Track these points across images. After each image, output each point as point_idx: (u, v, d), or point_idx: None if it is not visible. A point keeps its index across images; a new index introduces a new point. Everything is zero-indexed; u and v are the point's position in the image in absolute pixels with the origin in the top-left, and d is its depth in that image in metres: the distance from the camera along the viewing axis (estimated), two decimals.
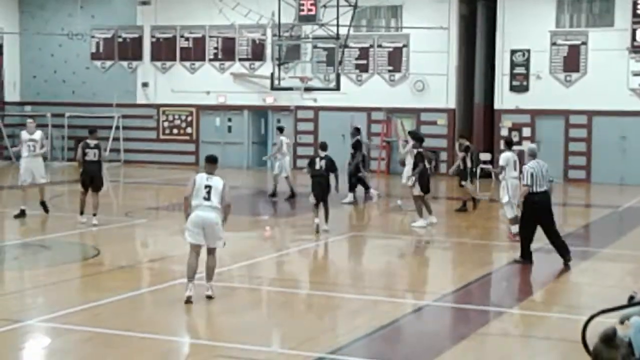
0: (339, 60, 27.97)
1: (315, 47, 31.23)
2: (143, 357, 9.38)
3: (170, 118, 34.33)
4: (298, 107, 32.41)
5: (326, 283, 13.42)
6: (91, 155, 18.32)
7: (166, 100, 34.26)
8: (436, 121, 31.14)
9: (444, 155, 31.24)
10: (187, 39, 34.04)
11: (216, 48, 33.73)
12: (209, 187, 11.85)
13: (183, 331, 10.65)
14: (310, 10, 26.58)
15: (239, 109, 33.42)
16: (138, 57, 34.64)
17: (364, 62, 31.90)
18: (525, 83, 30.27)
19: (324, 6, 26.38)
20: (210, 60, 33.80)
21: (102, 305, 11.48)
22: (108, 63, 35.04)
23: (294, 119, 32.73)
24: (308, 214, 22.48)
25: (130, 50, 34.72)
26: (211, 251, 11.83)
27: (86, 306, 11.35)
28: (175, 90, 34.02)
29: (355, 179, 23.52)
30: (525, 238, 14.87)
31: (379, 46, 31.73)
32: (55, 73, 35.55)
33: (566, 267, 14.46)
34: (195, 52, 33.93)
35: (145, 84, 34.52)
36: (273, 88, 28.46)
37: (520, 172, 16.09)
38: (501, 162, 17.99)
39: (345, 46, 28.30)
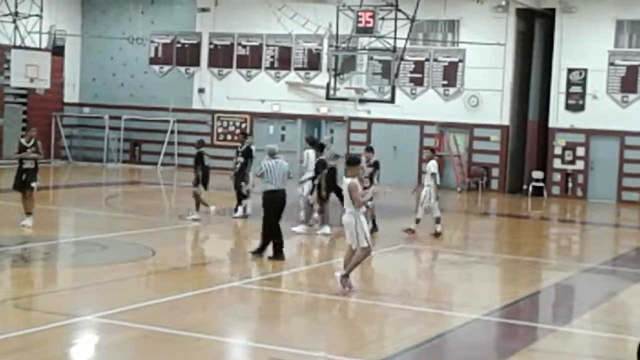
0: (395, 73, 28.10)
1: (371, 59, 31.37)
2: (196, 357, 9.56)
3: (225, 124, 34.68)
4: (352, 118, 32.55)
5: (375, 293, 13.51)
6: (27, 163, 17.53)
7: (221, 106, 34.62)
8: (489, 137, 31.06)
9: (495, 172, 31.12)
10: (244, 47, 34.38)
11: (272, 57, 34.03)
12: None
13: (235, 333, 10.82)
14: (368, 22, 26.75)
15: (293, 117, 33.65)
16: (195, 63, 35.07)
17: (419, 75, 31.95)
18: (581, 102, 30.07)
19: (382, 19, 26.53)
20: (267, 68, 34.10)
21: (158, 304, 11.70)
22: (166, 68, 35.53)
23: (347, 130, 32.87)
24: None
25: (188, 56, 35.18)
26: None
27: (142, 305, 11.58)
28: (231, 97, 34.37)
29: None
30: (266, 231, 15.41)
31: (435, 60, 31.77)
32: (114, 76, 36.13)
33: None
34: (251, 60, 34.26)
35: (201, 90, 34.93)
36: (328, 98, 28.66)
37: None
38: (433, 170, 19.59)
39: (401, 59, 28.42)
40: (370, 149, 19.89)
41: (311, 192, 18.93)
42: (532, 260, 17.46)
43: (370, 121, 32.31)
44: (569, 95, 30.19)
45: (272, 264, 15.48)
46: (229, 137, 34.44)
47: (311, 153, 19.66)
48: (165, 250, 15.96)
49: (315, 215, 19.13)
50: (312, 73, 33.36)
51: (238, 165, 20.40)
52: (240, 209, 20.37)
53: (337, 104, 31.18)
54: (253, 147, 20.98)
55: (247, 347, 10.25)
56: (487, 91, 30.77)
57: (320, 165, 18.84)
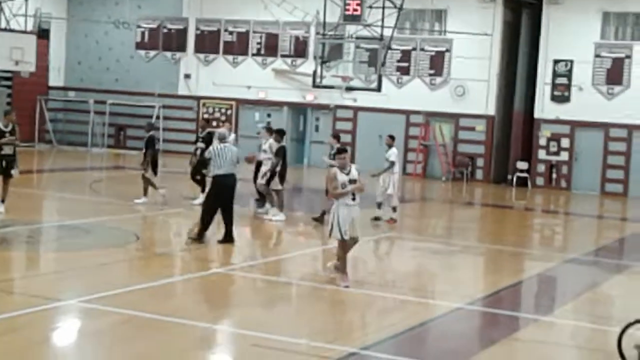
0: (382, 61, 28.11)
1: (358, 47, 31.32)
2: (178, 342, 9.56)
3: (210, 110, 34.60)
4: (338, 106, 32.52)
5: (359, 281, 13.53)
6: (7, 149, 16.92)
7: (207, 92, 34.53)
8: (475, 127, 31.12)
9: (480, 162, 31.20)
10: (231, 33, 34.29)
11: (259, 43, 33.94)
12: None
13: (219, 319, 10.83)
14: (355, 10, 26.74)
15: (279, 105, 33.61)
16: (182, 48, 34.96)
17: (406, 64, 31.95)
18: (566, 94, 30.16)
19: (370, 7, 26.51)
20: (253, 55, 34.01)
21: (140, 289, 11.69)
22: (152, 53, 35.39)
23: (333, 118, 32.85)
24: None
25: (174, 41, 35.05)
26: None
27: (125, 289, 11.57)
28: (217, 84, 34.28)
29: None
30: (208, 217, 15.31)
31: (422, 49, 31.78)
32: (100, 60, 35.98)
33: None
34: (238, 47, 34.17)
35: (187, 76, 34.82)
36: (314, 86, 28.63)
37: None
38: (392, 158, 19.54)
39: (388, 48, 28.41)
40: (336, 136, 19.70)
41: (269, 180, 18.62)
42: (516, 250, 17.53)
43: (357, 109, 32.31)
44: (554, 86, 30.28)
45: (258, 250, 15.50)
46: (214, 123, 34.31)
47: (272, 142, 18.88)
48: (149, 236, 15.94)
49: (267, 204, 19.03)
50: (299, 60, 33.31)
51: (198, 152, 19.75)
52: (202, 196, 19.14)
53: (324, 91, 31.13)
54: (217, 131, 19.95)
55: (230, 333, 10.26)
56: (473, 81, 30.81)
57: (281, 152, 18.65)
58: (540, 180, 30.52)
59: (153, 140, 19.79)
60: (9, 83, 33.74)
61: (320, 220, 18.07)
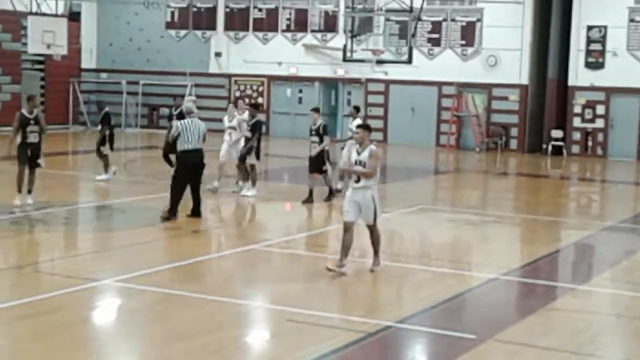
0: (412, 33, 27.92)
1: (387, 19, 31.16)
2: (214, 319, 9.60)
3: (242, 88, 34.61)
4: (369, 80, 32.38)
5: (393, 254, 13.50)
6: (32, 137, 15.94)
7: (238, 70, 34.52)
8: (508, 97, 30.86)
9: (514, 132, 30.96)
10: (260, 10, 34.20)
11: (289, 19, 33.84)
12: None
13: (254, 295, 10.84)
14: None
15: (310, 80, 33.53)
16: (212, 27, 34.94)
17: (437, 36, 31.70)
18: (601, 60, 29.78)
19: None
20: (283, 31, 33.92)
21: (175, 267, 11.76)
22: (182, 32, 35.42)
23: (365, 92, 32.73)
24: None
25: (204, 20, 35.04)
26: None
27: (160, 268, 11.63)
28: (247, 61, 34.25)
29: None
30: (177, 193, 15.10)
31: (452, 20, 31.49)
32: (131, 41, 36.07)
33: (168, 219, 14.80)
34: (268, 23, 34.10)
35: (218, 54, 34.83)
36: (345, 60, 28.54)
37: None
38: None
39: (418, 19, 28.21)
40: (355, 108, 19.52)
41: (245, 156, 18.09)
42: (551, 219, 17.38)
43: (388, 82, 32.15)
44: (588, 53, 29.89)
45: (289, 226, 15.50)
46: (246, 100, 34.29)
47: (246, 117, 18.28)
48: (183, 214, 15.98)
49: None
50: (329, 35, 33.16)
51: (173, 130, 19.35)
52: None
53: (354, 65, 31.03)
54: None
55: (265, 309, 10.29)
56: (505, 50, 30.50)
57: (258, 127, 18.18)
58: (575, 149, 30.23)
59: (108, 116, 19.74)
60: (41, 67, 34.01)
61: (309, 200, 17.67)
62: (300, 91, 33.93)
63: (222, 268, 12.36)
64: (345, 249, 11.68)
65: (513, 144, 31.00)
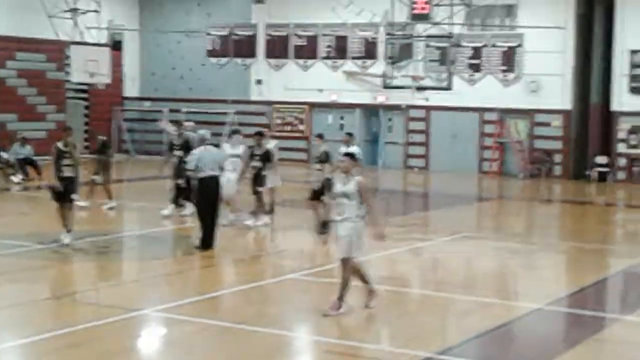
0: (452, 59, 27.79)
1: (427, 45, 31.03)
2: (255, 350, 9.49)
3: (283, 115, 34.64)
4: (410, 106, 32.23)
5: (436, 282, 13.32)
6: (66, 171, 15.06)
7: (279, 97, 34.57)
8: (551, 122, 30.53)
9: (558, 158, 30.60)
10: (300, 37, 34.29)
11: (329, 46, 33.84)
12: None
13: (292, 326, 10.71)
14: (423, 8, 26.53)
15: (351, 107, 33.46)
16: (252, 54, 35.07)
17: (477, 61, 31.46)
18: None
19: (437, 5, 26.24)
20: (323, 58, 33.94)
21: (215, 297, 11.67)
22: (223, 60, 35.59)
23: (406, 118, 32.58)
24: (419, 212, 22.47)
25: (244, 47, 35.19)
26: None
27: (200, 298, 11.56)
28: (288, 88, 34.30)
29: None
30: (203, 223, 14.90)
31: (493, 45, 31.27)
32: (173, 69, 36.32)
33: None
34: (308, 50, 34.14)
35: (259, 81, 34.93)
36: (385, 86, 28.47)
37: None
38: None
39: (458, 45, 28.09)
40: (259, 133, 18.03)
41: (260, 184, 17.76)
42: (598, 247, 17.07)
43: (429, 109, 31.96)
44: (632, 77, 29.48)
45: (327, 256, 15.37)
46: (287, 128, 34.39)
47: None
48: (224, 243, 15.92)
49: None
50: (369, 62, 33.08)
51: (175, 160, 18.54)
52: (170, 207, 18.60)
53: (395, 92, 30.92)
54: (194, 135, 18.57)
55: (303, 339, 10.15)
56: (547, 76, 30.18)
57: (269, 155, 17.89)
58: (621, 175, 29.77)
59: (106, 145, 20.03)
60: (85, 95, 34.34)
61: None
62: (342, 118, 33.86)
63: (260, 298, 12.24)
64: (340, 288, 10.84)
65: (557, 170, 30.62)
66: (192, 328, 10.19)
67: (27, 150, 25.91)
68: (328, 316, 10.57)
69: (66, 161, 15.06)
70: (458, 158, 31.26)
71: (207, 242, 14.96)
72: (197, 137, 15.81)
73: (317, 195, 16.74)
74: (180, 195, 18.15)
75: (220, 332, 10.01)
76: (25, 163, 25.43)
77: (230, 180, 17.01)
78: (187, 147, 17.98)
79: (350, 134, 18.74)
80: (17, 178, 24.08)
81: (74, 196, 15.15)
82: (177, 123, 19.94)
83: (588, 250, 16.79)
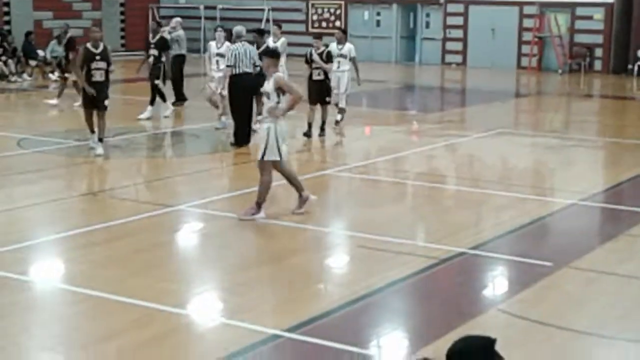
0: None
1: None
2: (288, 244, 9.61)
3: (320, 11, 34.20)
4: (448, 1, 31.65)
5: (471, 179, 13.29)
6: (97, 75, 14.01)
7: None
8: (592, 16, 29.85)
9: (599, 52, 30.02)
10: None
11: None
12: None
13: (327, 221, 10.78)
14: None
15: (388, 2, 32.93)
16: None
17: None
18: None
19: None
20: None
21: (249, 193, 11.74)
22: None
23: (444, 14, 32.03)
24: (455, 109, 22.33)
25: None
26: None
27: (233, 194, 11.65)
28: None
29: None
30: (238, 119, 14.85)
31: None
32: None
33: None
34: None
35: None
36: None
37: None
38: (354, 53, 17.29)
39: None
40: (318, 36, 17.19)
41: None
42: (636, 142, 16.86)
43: (467, 3, 31.38)
44: None
45: (369, 151, 15.36)
46: (323, 24, 34.00)
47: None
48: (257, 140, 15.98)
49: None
50: None
51: (151, 60, 18.02)
52: (149, 108, 18.02)
53: None
54: (168, 36, 18.66)
55: (337, 235, 10.22)
56: None
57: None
58: None
59: (73, 41, 19.50)
60: None
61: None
62: (378, 14, 33.38)
63: (295, 194, 12.30)
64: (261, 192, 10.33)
65: (597, 65, 30.08)
66: (225, 223, 10.30)
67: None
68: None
69: (96, 64, 13.92)
70: (496, 53, 30.79)
71: (242, 138, 14.99)
72: (234, 33, 15.62)
73: (321, 97, 16.24)
74: (160, 95, 18.00)
75: (255, 227, 10.10)
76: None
77: (214, 80, 16.64)
78: (163, 46, 17.87)
79: (344, 31, 18.01)
80: (54, 76, 24.18)
81: (105, 102, 14.08)
82: (157, 23, 19.24)
83: (626, 145, 16.61)
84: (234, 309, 7.51)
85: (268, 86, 10.20)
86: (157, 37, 18.14)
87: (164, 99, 18.26)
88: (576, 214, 11.29)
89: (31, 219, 10.53)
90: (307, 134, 15.97)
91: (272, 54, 10.53)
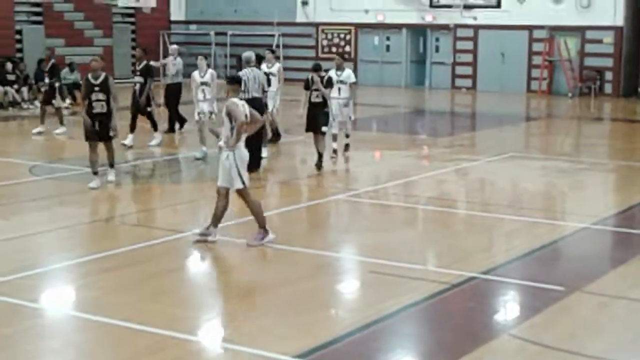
0: None
1: None
2: (298, 269, 9.59)
3: (329, 37, 34.35)
4: (458, 26, 31.75)
5: (482, 203, 13.28)
6: (98, 107, 13.43)
7: (325, 18, 34.23)
8: (602, 39, 29.88)
9: (609, 75, 30.03)
10: None
11: None
12: None
13: (337, 246, 10.78)
14: None
15: (398, 27, 33.05)
16: None
17: None
18: None
19: None
20: None
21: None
22: None
23: (453, 38, 32.12)
24: (466, 133, 22.33)
25: None
26: None
27: (244, 219, 11.65)
28: (334, 9, 33.92)
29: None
30: (246, 145, 14.30)
31: None
32: None
33: None
34: None
35: (305, 3, 34.56)
36: (432, 5, 28.03)
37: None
38: (354, 78, 16.71)
39: None
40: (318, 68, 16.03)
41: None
42: None
43: (477, 28, 31.47)
44: None
45: (379, 175, 15.37)
46: (333, 49, 34.10)
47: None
48: (271, 164, 16.01)
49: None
50: None
51: (137, 87, 17.86)
52: (156, 135, 18.14)
53: (443, 11, 30.46)
54: (153, 64, 18.74)
55: (348, 260, 10.22)
56: None
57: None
58: None
59: (57, 68, 20.23)
60: (132, 19, 34.36)
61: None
62: (388, 39, 33.50)
63: (306, 218, 12.32)
64: (216, 216, 10.43)
65: (607, 88, 30.08)
66: (237, 248, 10.31)
67: (75, 76, 26.07)
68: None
69: (96, 95, 13.39)
70: (506, 78, 30.84)
71: (253, 163, 14.97)
72: (243, 59, 15.68)
73: (318, 125, 15.68)
74: (152, 123, 18.09)
75: (268, 254, 10.11)
76: (74, 88, 25.63)
77: (204, 112, 16.41)
78: (147, 72, 17.77)
79: (342, 56, 17.30)
80: (64, 103, 24.24)
81: (111, 133, 13.61)
82: (143, 50, 18.96)
83: (637, 168, 16.58)
84: (245, 335, 7.51)
85: (223, 112, 10.30)
86: (142, 64, 17.99)
87: (155, 127, 18.29)
88: (587, 238, 11.27)
89: (43, 246, 10.57)
90: (318, 165, 15.48)
91: (232, 81, 10.64)
